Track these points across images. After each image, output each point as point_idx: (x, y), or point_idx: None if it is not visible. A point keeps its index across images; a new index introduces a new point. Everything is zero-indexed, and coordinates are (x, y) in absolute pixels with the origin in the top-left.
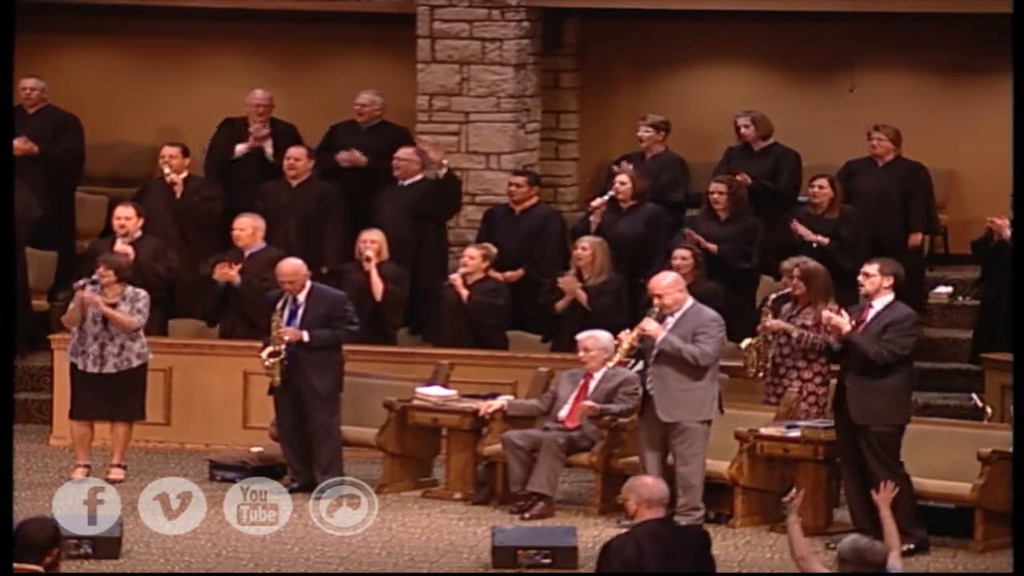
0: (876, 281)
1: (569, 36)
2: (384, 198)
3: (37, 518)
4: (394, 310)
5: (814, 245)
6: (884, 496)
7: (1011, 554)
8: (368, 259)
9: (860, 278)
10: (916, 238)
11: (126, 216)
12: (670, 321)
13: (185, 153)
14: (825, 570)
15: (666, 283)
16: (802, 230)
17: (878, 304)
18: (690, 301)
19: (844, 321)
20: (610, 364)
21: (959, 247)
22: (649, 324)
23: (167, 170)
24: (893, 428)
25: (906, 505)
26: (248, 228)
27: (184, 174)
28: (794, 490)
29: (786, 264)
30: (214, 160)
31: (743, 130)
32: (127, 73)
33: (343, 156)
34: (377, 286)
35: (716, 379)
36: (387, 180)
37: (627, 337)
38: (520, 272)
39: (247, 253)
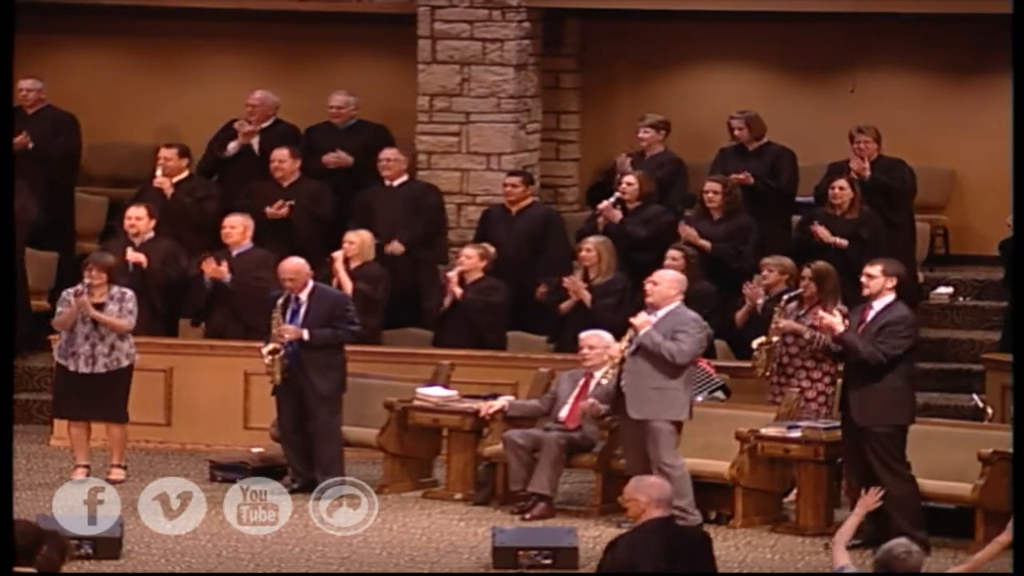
0: (879, 282)
1: (570, 37)
2: (375, 199)
3: (16, 522)
4: (366, 310)
5: (832, 246)
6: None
7: (1011, 554)
8: (334, 259)
9: (863, 279)
10: None
11: (137, 216)
12: (652, 319)
13: (182, 154)
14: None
15: (667, 276)
16: (822, 232)
17: (878, 305)
18: (677, 303)
19: (837, 320)
20: (604, 380)
21: (960, 247)
22: (641, 315)
23: (159, 173)
24: (894, 428)
25: (911, 507)
26: (239, 226)
27: (184, 174)
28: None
29: (768, 260)
30: (210, 159)
31: (737, 131)
32: (127, 73)
33: (330, 158)
34: (346, 285)
35: (690, 382)
36: (371, 179)
37: (619, 348)
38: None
39: (234, 252)
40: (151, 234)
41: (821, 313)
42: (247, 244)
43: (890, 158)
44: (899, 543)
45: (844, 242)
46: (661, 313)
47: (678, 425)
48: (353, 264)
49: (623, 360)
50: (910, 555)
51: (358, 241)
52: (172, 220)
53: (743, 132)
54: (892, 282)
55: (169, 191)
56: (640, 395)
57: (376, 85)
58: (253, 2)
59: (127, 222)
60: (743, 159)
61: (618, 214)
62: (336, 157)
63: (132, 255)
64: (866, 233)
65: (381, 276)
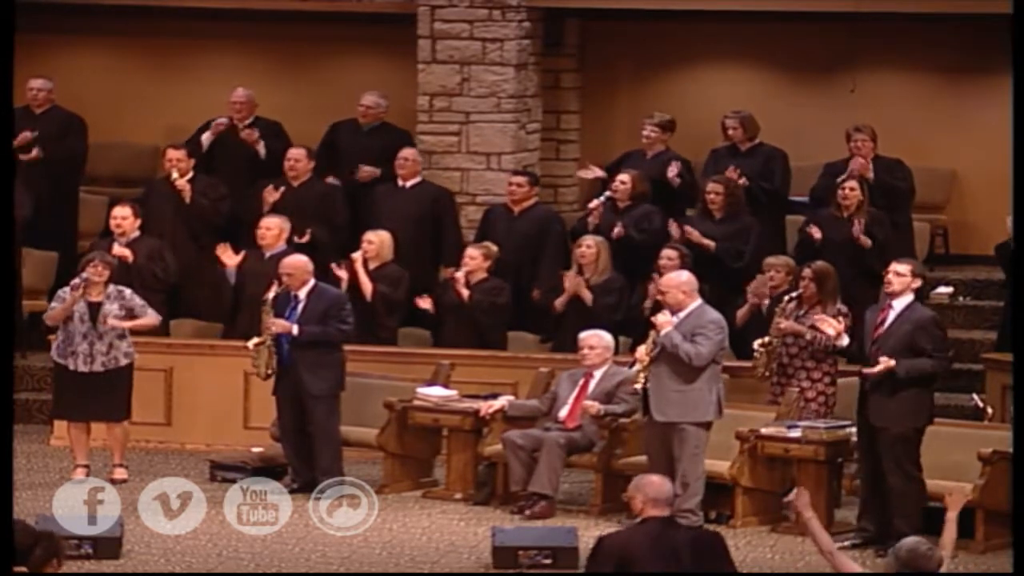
0: (906, 281)
1: (570, 36)
2: (385, 199)
3: (14, 522)
4: (386, 311)
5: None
6: (956, 500)
7: (1011, 554)
8: (354, 259)
9: (890, 276)
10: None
11: (123, 216)
12: (674, 320)
13: (190, 155)
14: (855, 565)
15: (675, 280)
16: (816, 233)
17: (899, 305)
18: (697, 302)
19: (891, 362)
20: (637, 387)
21: (959, 247)
22: (663, 315)
23: (175, 175)
24: (911, 431)
25: (913, 510)
26: (275, 228)
27: (190, 175)
28: (795, 489)
29: (773, 260)
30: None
31: (731, 131)
32: (130, 73)
33: (363, 174)
34: (366, 286)
35: (716, 381)
36: (386, 181)
37: (643, 351)
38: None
39: (268, 254)
40: (136, 233)
41: (881, 366)
42: (281, 246)
43: (888, 158)
44: (920, 541)
45: (869, 241)
46: (682, 313)
47: (706, 425)
48: (372, 265)
49: (651, 362)
50: (933, 552)
51: (377, 241)
52: (190, 222)
53: (737, 132)
54: (917, 283)
55: (188, 194)
56: (663, 397)
57: (376, 85)
58: (254, 2)
59: (112, 222)
60: (735, 159)
61: (597, 202)
62: (371, 172)
63: (118, 249)
64: (880, 234)
65: (401, 277)
